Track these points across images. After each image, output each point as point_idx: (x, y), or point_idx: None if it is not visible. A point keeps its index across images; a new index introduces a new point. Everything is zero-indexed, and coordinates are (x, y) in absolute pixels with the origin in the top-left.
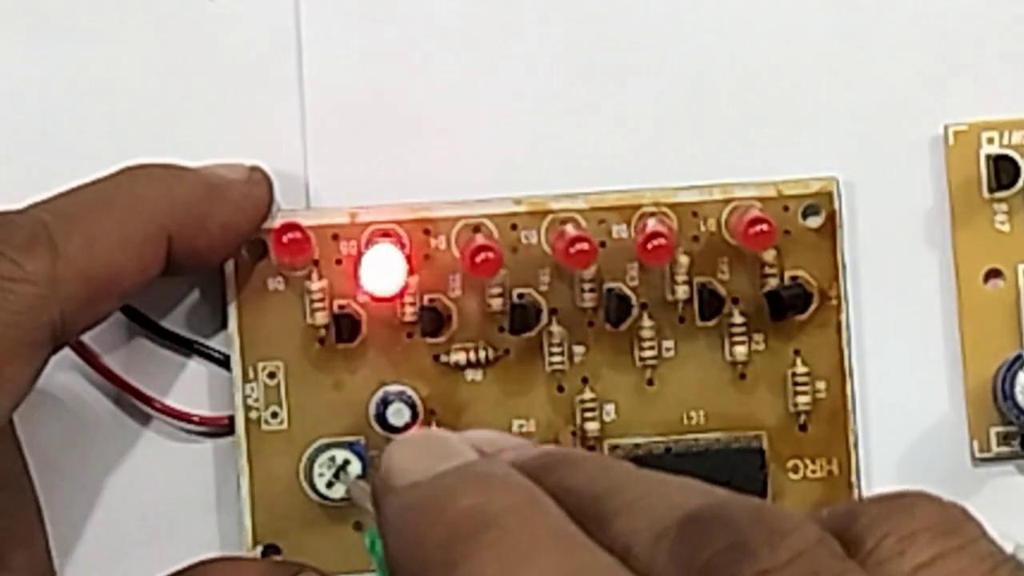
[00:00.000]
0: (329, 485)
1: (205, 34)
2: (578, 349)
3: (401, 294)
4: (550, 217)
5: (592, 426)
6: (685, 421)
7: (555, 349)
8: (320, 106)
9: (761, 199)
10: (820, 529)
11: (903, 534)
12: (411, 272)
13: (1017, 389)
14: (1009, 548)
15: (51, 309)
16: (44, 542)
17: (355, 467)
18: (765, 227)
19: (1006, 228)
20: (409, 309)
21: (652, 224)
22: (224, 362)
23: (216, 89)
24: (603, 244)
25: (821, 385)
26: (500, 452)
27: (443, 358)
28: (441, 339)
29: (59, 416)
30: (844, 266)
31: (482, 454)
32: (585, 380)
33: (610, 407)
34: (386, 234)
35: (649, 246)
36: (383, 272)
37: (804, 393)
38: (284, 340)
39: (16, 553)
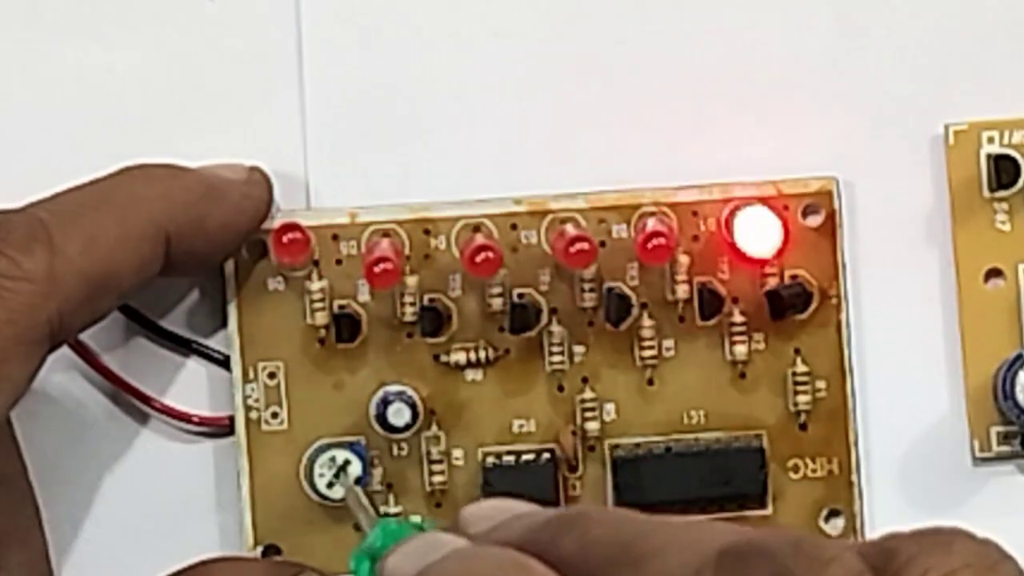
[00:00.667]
0: (329, 485)
1: (205, 34)
2: (578, 349)
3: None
4: (550, 217)
5: (592, 426)
6: (685, 420)
7: (555, 349)
8: (320, 106)
9: (761, 198)
10: (859, 559)
11: (944, 571)
12: (411, 272)
13: (1017, 388)
14: None
15: (49, 307)
16: (42, 542)
17: (355, 467)
18: None
19: (1006, 228)
20: (409, 309)
21: (652, 224)
22: (224, 362)
23: (216, 89)
24: (603, 244)
25: (821, 384)
26: (513, 519)
27: (443, 358)
28: (441, 339)
29: (59, 416)
30: (844, 265)
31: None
32: (585, 380)
33: (610, 407)
34: (386, 234)
35: (649, 245)
36: None
37: (804, 392)
38: (284, 340)
39: (13, 552)
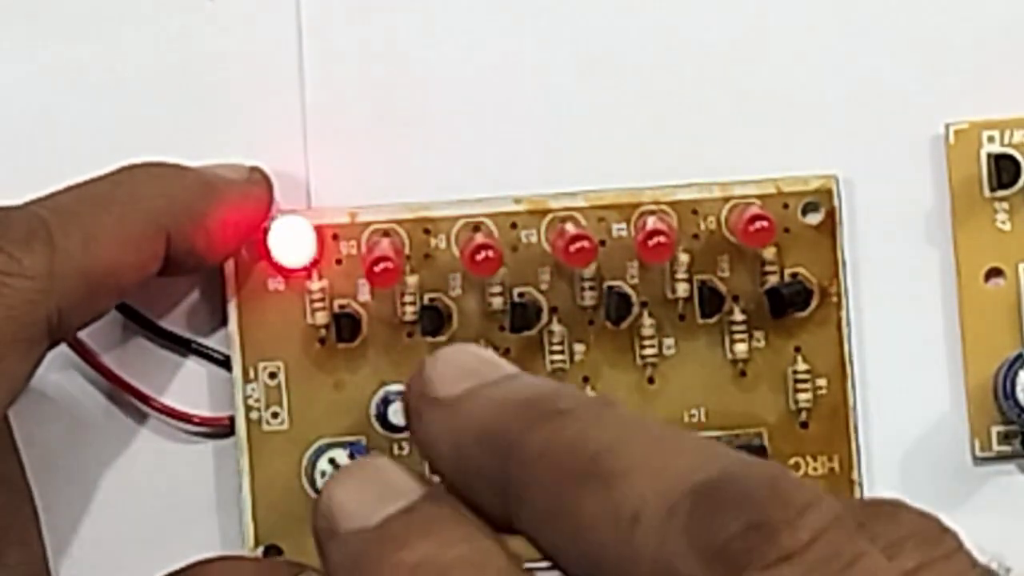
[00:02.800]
0: None
1: (205, 34)
2: (579, 348)
3: (400, 292)
4: (550, 216)
5: None
6: (686, 419)
7: (556, 348)
8: (320, 106)
9: (761, 196)
10: (837, 501)
11: (890, 540)
12: (411, 272)
13: (1018, 388)
14: (985, 560)
15: (48, 305)
16: (39, 542)
17: (342, 458)
18: (765, 224)
19: (1007, 227)
20: (409, 309)
21: (652, 222)
22: (224, 362)
23: (216, 89)
24: (603, 242)
25: (822, 382)
26: (482, 389)
27: None
28: (442, 338)
29: (58, 415)
30: (844, 263)
31: (428, 483)
32: (586, 379)
33: None
34: (386, 234)
35: (649, 244)
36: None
37: (805, 390)
38: (284, 340)
39: (11, 552)
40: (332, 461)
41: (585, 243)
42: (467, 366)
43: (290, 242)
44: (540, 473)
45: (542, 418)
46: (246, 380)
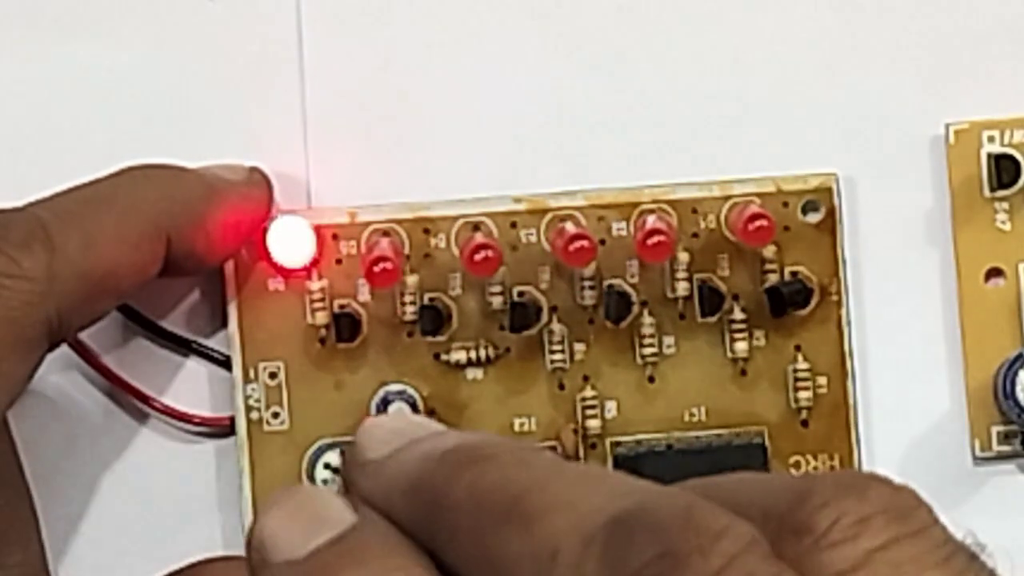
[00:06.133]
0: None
1: (205, 34)
2: (579, 347)
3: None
4: (549, 215)
5: (593, 424)
6: (686, 418)
7: (556, 347)
8: (320, 106)
9: (760, 195)
10: (750, 527)
11: (857, 517)
12: (411, 272)
13: (1018, 388)
14: (960, 536)
15: (47, 306)
16: (39, 543)
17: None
18: (765, 223)
19: (1007, 227)
20: (409, 308)
21: (652, 221)
22: (224, 362)
23: (216, 89)
24: (603, 241)
25: (822, 381)
26: (411, 445)
27: (443, 357)
28: (441, 338)
29: (59, 416)
30: (844, 262)
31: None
32: (586, 378)
33: (611, 404)
34: (386, 233)
35: (649, 243)
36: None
37: (805, 389)
38: (284, 340)
39: (11, 553)
40: (327, 466)
41: (585, 242)
42: (395, 429)
43: (289, 242)
44: (465, 518)
45: (466, 464)
46: (246, 380)
